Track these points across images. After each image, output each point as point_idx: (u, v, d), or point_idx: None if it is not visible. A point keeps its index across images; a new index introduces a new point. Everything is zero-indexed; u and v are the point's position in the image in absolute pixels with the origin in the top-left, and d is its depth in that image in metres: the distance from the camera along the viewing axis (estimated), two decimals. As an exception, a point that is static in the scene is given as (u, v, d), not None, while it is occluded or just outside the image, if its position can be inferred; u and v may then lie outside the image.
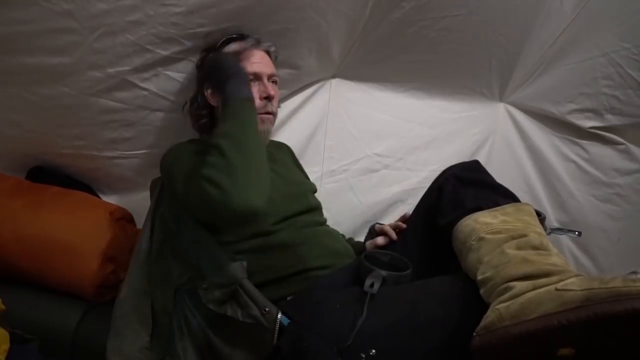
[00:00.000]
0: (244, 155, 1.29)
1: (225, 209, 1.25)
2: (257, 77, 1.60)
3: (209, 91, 1.61)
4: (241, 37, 1.63)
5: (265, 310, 1.32)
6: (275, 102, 1.64)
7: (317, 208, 1.70)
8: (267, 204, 1.28)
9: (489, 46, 2.07)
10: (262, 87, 1.59)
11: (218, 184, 1.24)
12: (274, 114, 1.64)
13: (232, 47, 1.62)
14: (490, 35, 2.02)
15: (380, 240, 1.64)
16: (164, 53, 1.59)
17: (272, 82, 1.64)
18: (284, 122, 2.08)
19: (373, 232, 1.72)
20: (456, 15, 1.90)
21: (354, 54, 2.03)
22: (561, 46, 2.10)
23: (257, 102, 1.56)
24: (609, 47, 2.02)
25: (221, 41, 1.62)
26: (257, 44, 1.64)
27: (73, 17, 1.40)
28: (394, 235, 1.61)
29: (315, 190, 1.80)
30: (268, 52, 1.67)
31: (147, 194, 1.71)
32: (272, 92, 1.60)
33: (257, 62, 1.61)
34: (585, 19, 1.99)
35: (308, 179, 1.93)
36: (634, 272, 2.41)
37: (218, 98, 1.50)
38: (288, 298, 1.41)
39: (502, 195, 1.33)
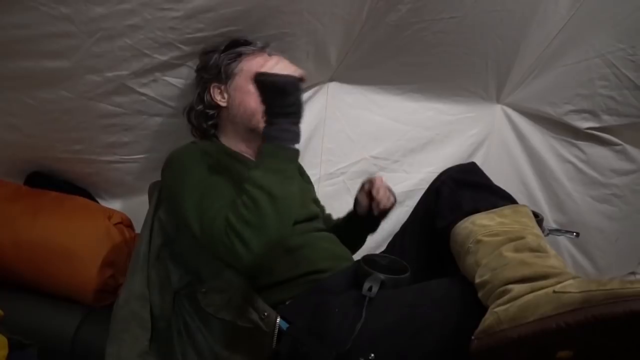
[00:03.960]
0: (280, 217, 1.23)
1: (243, 264, 1.23)
2: None
3: (217, 91, 1.61)
4: (246, 42, 1.64)
5: (264, 314, 1.32)
6: None
7: (318, 216, 1.70)
8: None
9: (486, 48, 2.08)
10: None
11: (246, 242, 1.20)
12: None
13: (238, 49, 1.62)
14: (486, 36, 2.02)
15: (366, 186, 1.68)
16: (162, 58, 1.59)
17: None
18: (282, 126, 2.09)
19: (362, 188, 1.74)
20: (452, 17, 1.90)
21: (350, 57, 2.03)
22: (557, 47, 2.11)
23: None
24: (605, 48, 2.03)
25: (226, 44, 1.62)
26: (263, 48, 1.65)
27: (71, 21, 1.40)
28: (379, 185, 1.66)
29: (316, 198, 1.81)
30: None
31: (145, 198, 1.71)
32: None
33: (265, 64, 1.57)
34: (580, 20, 1.99)
35: (311, 183, 1.93)
36: (633, 273, 2.42)
37: (266, 118, 1.32)
38: (287, 302, 1.41)
39: (499, 197, 1.33)
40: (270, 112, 1.30)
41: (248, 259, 1.21)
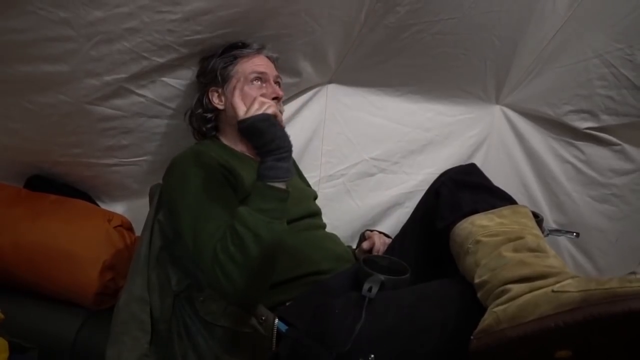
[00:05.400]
0: (264, 258, 1.27)
1: (227, 296, 1.30)
2: (265, 77, 1.63)
3: (215, 94, 1.64)
4: (243, 45, 1.67)
5: (262, 318, 1.32)
6: (281, 102, 1.67)
7: (317, 213, 1.72)
8: None
9: (484, 48, 2.08)
10: (270, 89, 1.62)
11: (231, 278, 1.24)
12: (281, 113, 1.64)
13: (233, 52, 1.64)
14: (484, 37, 2.02)
15: (364, 244, 1.68)
16: (161, 60, 1.59)
17: (277, 83, 1.68)
18: (281, 128, 2.09)
19: (362, 238, 1.76)
20: (450, 18, 1.90)
21: (349, 59, 2.03)
22: (555, 48, 2.11)
23: None
24: (603, 48, 2.02)
25: (223, 48, 1.65)
26: (260, 50, 1.68)
27: (69, 25, 1.40)
28: (376, 240, 1.67)
29: (316, 197, 1.81)
30: (269, 58, 1.71)
31: (145, 200, 1.70)
32: (280, 93, 1.64)
33: (261, 64, 1.65)
34: (578, 20, 1.99)
35: (309, 186, 1.95)
36: (633, 273, 2.41)
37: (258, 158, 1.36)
38: (287, 303, 1.41)
39: (499, 198, 1.33)
40: (257, 152, 1.35)
41: (231, 293, 1.26)
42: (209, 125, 1.68)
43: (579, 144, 2.28)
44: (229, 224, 1.29)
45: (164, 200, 1.54)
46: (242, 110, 1.36)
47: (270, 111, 1.35)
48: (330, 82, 2.19)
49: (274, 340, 1.31)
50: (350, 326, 1.16)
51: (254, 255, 1.24)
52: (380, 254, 1.62)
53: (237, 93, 1.50)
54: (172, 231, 1.50)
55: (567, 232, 1.94)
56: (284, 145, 1.33)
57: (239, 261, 1.24)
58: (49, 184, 1.91)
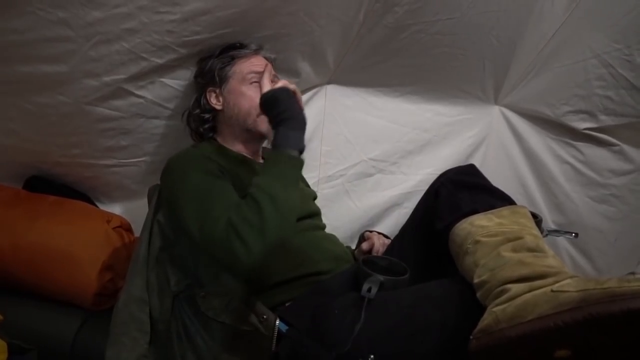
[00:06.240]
0: (281, 220, 1.24)
1: (243, 265, 1.23)
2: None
3: (213, 95, 1.64)
4: (241, 46, 1.67)
5: (262, 317, 1.32)
6: None
7: (317, 214, 1.72)
8: None
9: (482, 49, 2.08)
10: None
11: (247, 242, 1.20)
12: None
13: (231, 53, 1.64)
14: (483, 37, 2.02)
15: (364, 245, 1.68)
16: (159, 61, 1.59)
17: (274, 83, 1.66)
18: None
19: (361, 239, 1.76)
20: (449, 18, 1.90)
21: (348, 59, 2.03)
22: (554, 48, 2.11)
23: None
24: (601, 48, 2.03)
25: (221, 49, 1.65)
26: (257, 50, 1.68)
27: (68, 25, 1.40)
28: (375, 241, 1.68)
29: (315, 197, 1.81)
30: (267, 59, 1.70)
31: (144, 201, 1.71)
32: None
33: (259, 64, 1.65)
34: (576, 21, 1.99)
35: (308, 186, 1.95)
36: (632, 273, 2.41)
37: (273, 131, 1.40)
38: (287, 304, 1.41)
39: (498, 199, 1.33)
40: (271, 123, 1.41)
41: (246, 260, 1.21)
42: (206, 126, 1.67)
43: (578, 144, 2.28)
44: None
45: (163, 200, 1.54)
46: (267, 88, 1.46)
47: (291, 88, 1.46)
48: (329, 82, 2.19)
49: (274, 340, 1.31)
50: (350, 326, 1.16)
51: (271, 216, 1.22)
52: (379, 254, 1.62)
53: (266, 75, 1.53)
54: (172, 231, 1.51)
55: (566, 232, 1.94)
56: (297, 117, 1.39)
57: (257, 224, 1.21)
58: (48, 185, 1.91)
